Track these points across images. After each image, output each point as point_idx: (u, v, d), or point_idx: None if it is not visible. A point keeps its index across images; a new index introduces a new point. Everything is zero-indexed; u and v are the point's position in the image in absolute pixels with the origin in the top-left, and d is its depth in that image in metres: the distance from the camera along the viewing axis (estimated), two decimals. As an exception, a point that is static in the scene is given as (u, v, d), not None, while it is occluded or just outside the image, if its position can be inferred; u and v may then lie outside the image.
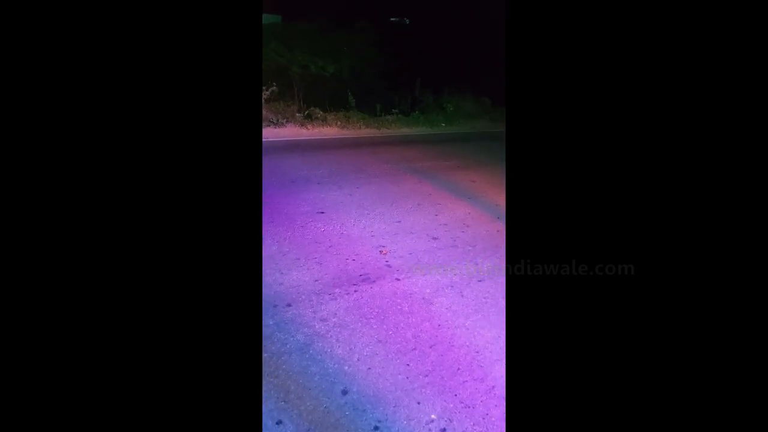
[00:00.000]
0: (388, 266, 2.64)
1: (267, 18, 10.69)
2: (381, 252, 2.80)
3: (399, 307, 2.23)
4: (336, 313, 2.12)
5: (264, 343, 1.87)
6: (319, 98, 8.93)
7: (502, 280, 2.51)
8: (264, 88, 8.58)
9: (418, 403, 1.62)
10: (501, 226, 3.43)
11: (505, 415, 1.55)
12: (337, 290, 2.32)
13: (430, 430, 1.52)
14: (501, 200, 4.11)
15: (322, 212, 3.38)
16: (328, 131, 7.44)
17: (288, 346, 1.87)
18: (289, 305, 2.17)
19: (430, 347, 1.94)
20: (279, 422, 1.49)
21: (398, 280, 2.49)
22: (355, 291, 2.33)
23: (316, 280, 2.40)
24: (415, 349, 1.92)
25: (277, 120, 7.57)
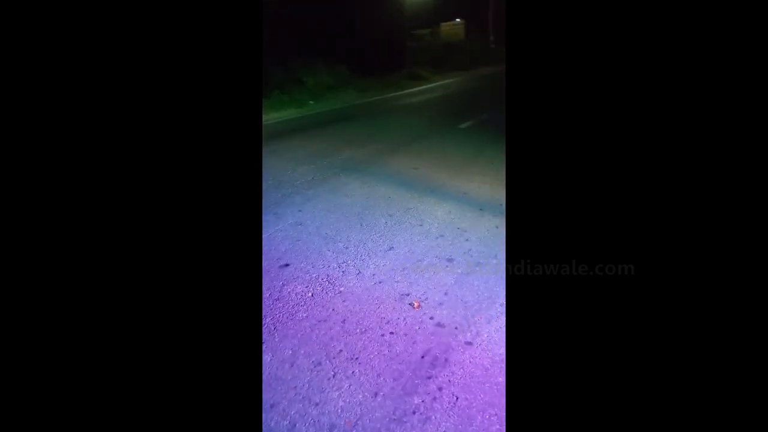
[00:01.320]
0: (440, 325, 1.88)
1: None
2: (414, 306, 2.01)
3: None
4: (452, 448, 1.33)
5: None
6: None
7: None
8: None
9: None
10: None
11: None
12: (416, 401, 1.50)
13: None
14: (471, 187, 3.57)
15: (286, 264, 2.37)
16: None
17: None
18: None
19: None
20: None
21: (470, 344, 1.77)
22: (439, 389, 1.54)
23: (377, 394, 1.53)
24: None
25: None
